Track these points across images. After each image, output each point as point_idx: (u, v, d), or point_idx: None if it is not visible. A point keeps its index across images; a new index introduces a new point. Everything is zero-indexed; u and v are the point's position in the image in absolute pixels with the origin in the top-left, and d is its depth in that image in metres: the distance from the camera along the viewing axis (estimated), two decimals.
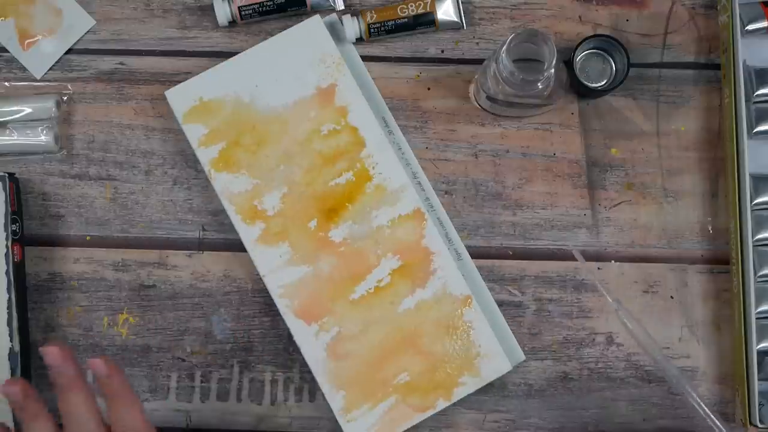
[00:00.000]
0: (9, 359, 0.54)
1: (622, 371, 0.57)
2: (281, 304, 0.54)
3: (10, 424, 0.53)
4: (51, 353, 0.45)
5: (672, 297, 0.58)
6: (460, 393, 0.54)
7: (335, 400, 0.54)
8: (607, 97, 0.59)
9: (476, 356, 0.54)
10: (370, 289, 0.55)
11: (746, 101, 0.56)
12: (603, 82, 0.58)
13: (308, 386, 0.57)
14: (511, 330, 0.57)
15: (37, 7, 0.59)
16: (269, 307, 0.56)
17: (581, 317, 0.57)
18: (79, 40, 0.59)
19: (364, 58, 0.59)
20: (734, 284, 0.56)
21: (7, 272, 0.54)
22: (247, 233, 0.55)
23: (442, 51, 0.59)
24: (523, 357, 0.57)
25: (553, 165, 0.58)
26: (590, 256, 0.58)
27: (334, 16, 0.58)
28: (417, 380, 0.54)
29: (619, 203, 0.58)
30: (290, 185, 0.55)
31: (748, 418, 0.54)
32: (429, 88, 0.59)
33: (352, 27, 0.57)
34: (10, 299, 0.54)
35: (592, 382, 0.57)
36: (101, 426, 0.45)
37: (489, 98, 0.55)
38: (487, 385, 0.55)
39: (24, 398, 0.45)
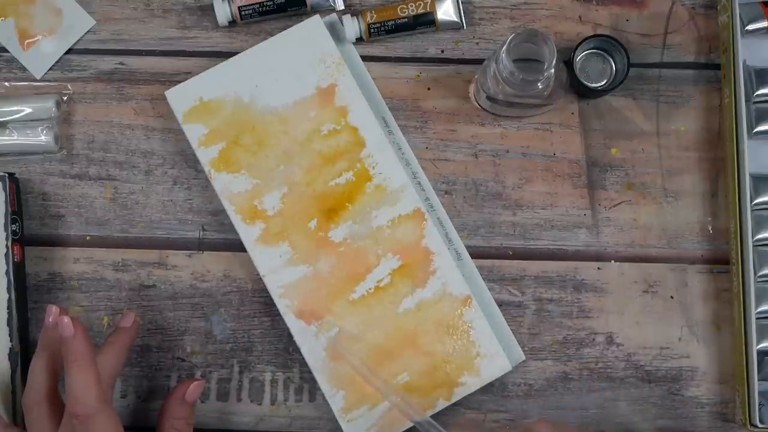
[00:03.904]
0: (9, 359, 0.54)
1: (622, 371, 0.57)
2: (281, 304, 0.54)
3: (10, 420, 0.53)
4: (65, 325, 0.43)
5: (672, 297, 0.58)
6: (460, 393, 0.54)
7: (335, 400, 0.54)
8: (607, 97, 0.59)
9: (476, 356, 0.54)
10: (370, 289, 0.55)
11: (746, 101, 0.56)
12: (603, 82, 0.58)
13: (308, 386, 0.57)
14: (511, 330, 0.57)
15: (37, 7, 0.59)
16: (269, 307, 0.56)
17: (581, 317, 0.57)
18: (79, 40, 0.59)
19: (364, 58, 0.59)
20: (734, 284, 0.56)
21: (7, 272, 0.54)
22: (247, 233, 0.55)
23: (442, 51, 0.59)
24: (523, 357, 0.57)
25: (553, 165, 0.58)
26: (590, 256, 0.58)
27: (334, 16, 0.58)
28: (417, 380, 0.54)
29: (619, 203, 0.58)
30: (290, 185, 0.55)
31: (748, 418, 0.54)
32: (429, 88, 0.59)
33: (352, 27, 0.57)
34: (10, 299, 0.54)
35: (592, 382, 0.57)
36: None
37: (489, 98, 0.55)
38: (487, 385, 0.55)
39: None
